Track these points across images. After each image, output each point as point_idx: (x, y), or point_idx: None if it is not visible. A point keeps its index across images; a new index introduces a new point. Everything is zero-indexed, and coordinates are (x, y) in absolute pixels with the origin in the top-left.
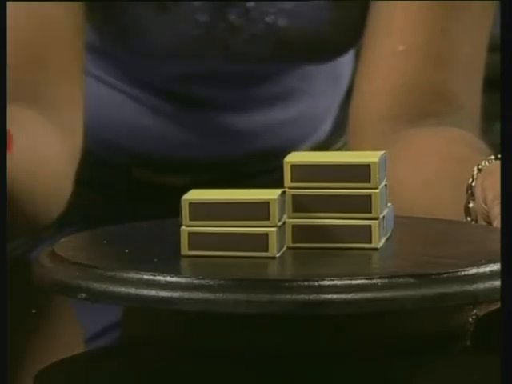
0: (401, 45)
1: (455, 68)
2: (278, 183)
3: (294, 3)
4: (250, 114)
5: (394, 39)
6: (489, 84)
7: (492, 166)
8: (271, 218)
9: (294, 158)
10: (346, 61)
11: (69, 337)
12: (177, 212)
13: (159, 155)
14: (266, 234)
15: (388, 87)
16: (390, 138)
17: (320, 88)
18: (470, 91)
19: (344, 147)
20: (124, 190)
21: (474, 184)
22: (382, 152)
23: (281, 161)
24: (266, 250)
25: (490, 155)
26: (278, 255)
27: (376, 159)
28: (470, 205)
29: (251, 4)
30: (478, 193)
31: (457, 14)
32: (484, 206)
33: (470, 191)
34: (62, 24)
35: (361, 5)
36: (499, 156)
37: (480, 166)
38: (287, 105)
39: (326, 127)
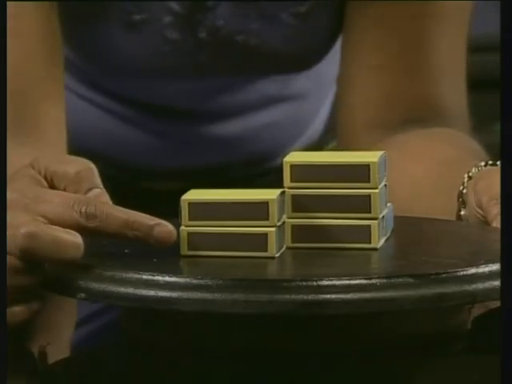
0: (375, 60)
1: (433, 74)
2: (272, 186)
3: (261, 22)
4: (229, 121)
5: (367, 55)
6: (488, 84)
7: (482, 171)
8: (270, 218)
9: (294, 157)
10: (328, 63)
11: (69, 336)
12: (172, 215)
13: (143, 164)
14: (266, 234)
15: (368, 101)
16: (379, 145)
17: (299, 91)
18: (453, 94)
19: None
20: (117, 194)
21: (464, 191)
22: (382, 152)
23: (273, 164)
24: (266, 250)
25: (481, 153)
26: (277, 255)
27: (376, 159)
28: (462, 212)
29: (221, 22)
30: (470, 199)
31: (429, 22)
32: (479, 210)
33: (461, 199)
34: (42, 42)
35: (330, 21)
36: (489, 162)
37: (470, 174)
38: (266, 110)
39: (315, 128)
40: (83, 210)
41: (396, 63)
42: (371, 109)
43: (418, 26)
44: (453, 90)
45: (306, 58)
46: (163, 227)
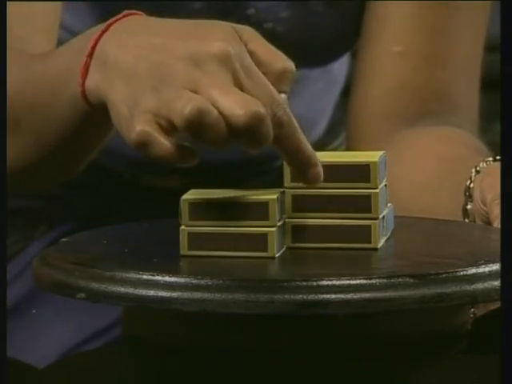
0: (396, 46)
1: (452, 67)
2: (272, 186)
3: (292, 11)
4: None
5: (389, 40)
6: (488, 84)
7: (490, 167)
8: (271, 218)
9: None
10: (340, 62)
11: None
12: (171, 213)
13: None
14: (266, 234)
15: (386, 89)
16: (389, 138)
17: (312, 90)
18: (468, 90)
19: (340, 147)
20: (118, 192)
21: (471, 186)
22: (382, 152)
23: (276, 163)
24: (266, 250)
25: (488, 155)
26: (277, 255)
27: (376, 159)
28: (468, 206)
29: (252, 11)
30: (476, 194)
31: (452, 13)
32: (483, 206)
33: (467, 193)
34: (41, 36)
35: (356, 10)
36: (497, 158)
37: (478, 168)
38: None
39: (320, 128)
40: (278, 114)
41: (418, 51)
42: (386, 97)
43: (440, 16)
44: (469, 88)
45: (332, 47)
46: (319, 169)
